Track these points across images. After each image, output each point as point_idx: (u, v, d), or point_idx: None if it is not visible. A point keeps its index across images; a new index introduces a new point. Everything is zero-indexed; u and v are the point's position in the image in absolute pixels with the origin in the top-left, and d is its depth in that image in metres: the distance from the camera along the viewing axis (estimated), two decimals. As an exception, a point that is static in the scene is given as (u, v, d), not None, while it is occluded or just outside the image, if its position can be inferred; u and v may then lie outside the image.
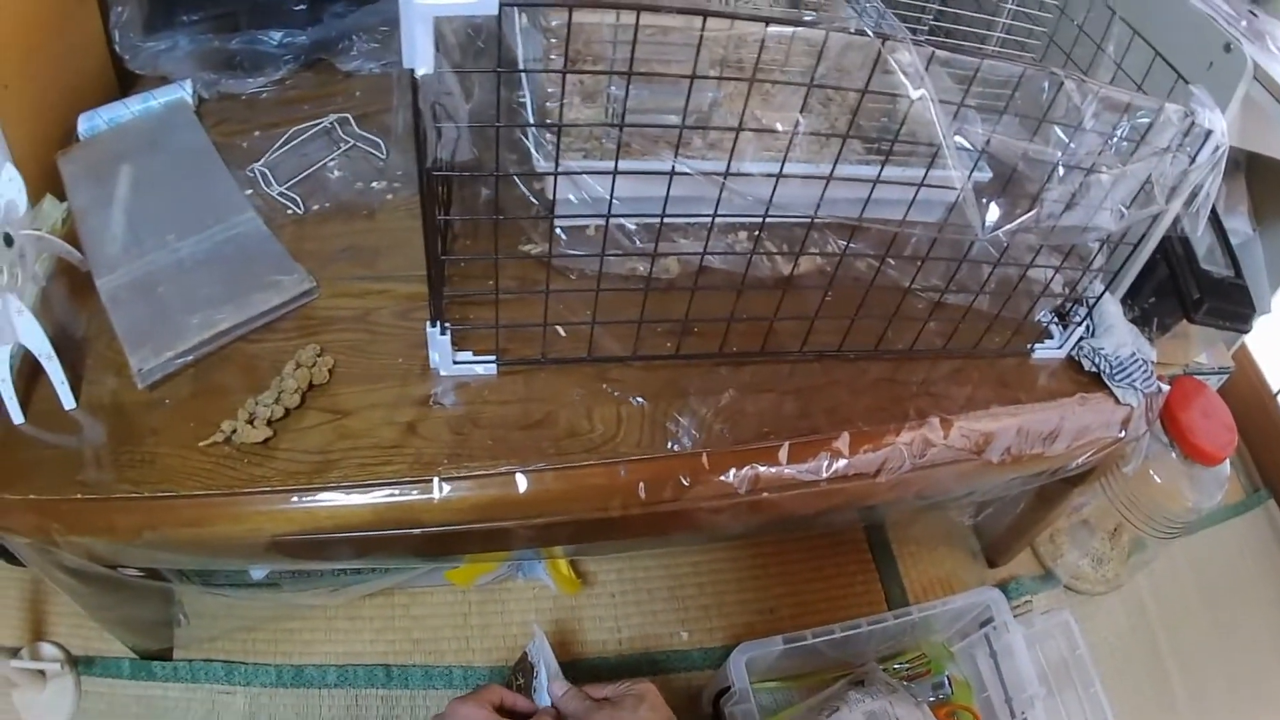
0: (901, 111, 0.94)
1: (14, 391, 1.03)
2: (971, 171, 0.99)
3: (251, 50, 1.52)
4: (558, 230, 1.17)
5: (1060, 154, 1.05)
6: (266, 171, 1.33)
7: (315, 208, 1.30)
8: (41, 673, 1.42)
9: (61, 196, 1.32)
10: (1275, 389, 2.16)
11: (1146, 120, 1.06)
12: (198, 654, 1.48)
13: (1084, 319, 1.30)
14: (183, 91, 1.48)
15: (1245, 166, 1.78)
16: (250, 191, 1.31)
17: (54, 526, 0.98)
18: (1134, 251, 1.27)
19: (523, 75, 1.20)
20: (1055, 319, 1.32)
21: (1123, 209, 1.11)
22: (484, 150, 1.00)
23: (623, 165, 0.93)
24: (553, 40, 1.12)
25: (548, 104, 1.19)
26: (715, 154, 1.15)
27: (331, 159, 1.37)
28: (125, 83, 1.57)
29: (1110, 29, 1.33)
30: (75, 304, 1.18)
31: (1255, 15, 1.68)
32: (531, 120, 1.17)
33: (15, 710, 1.40)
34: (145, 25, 1.54)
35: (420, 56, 0.80)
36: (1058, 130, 1.05)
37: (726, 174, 0.95)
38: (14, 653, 1.41)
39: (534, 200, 1.21)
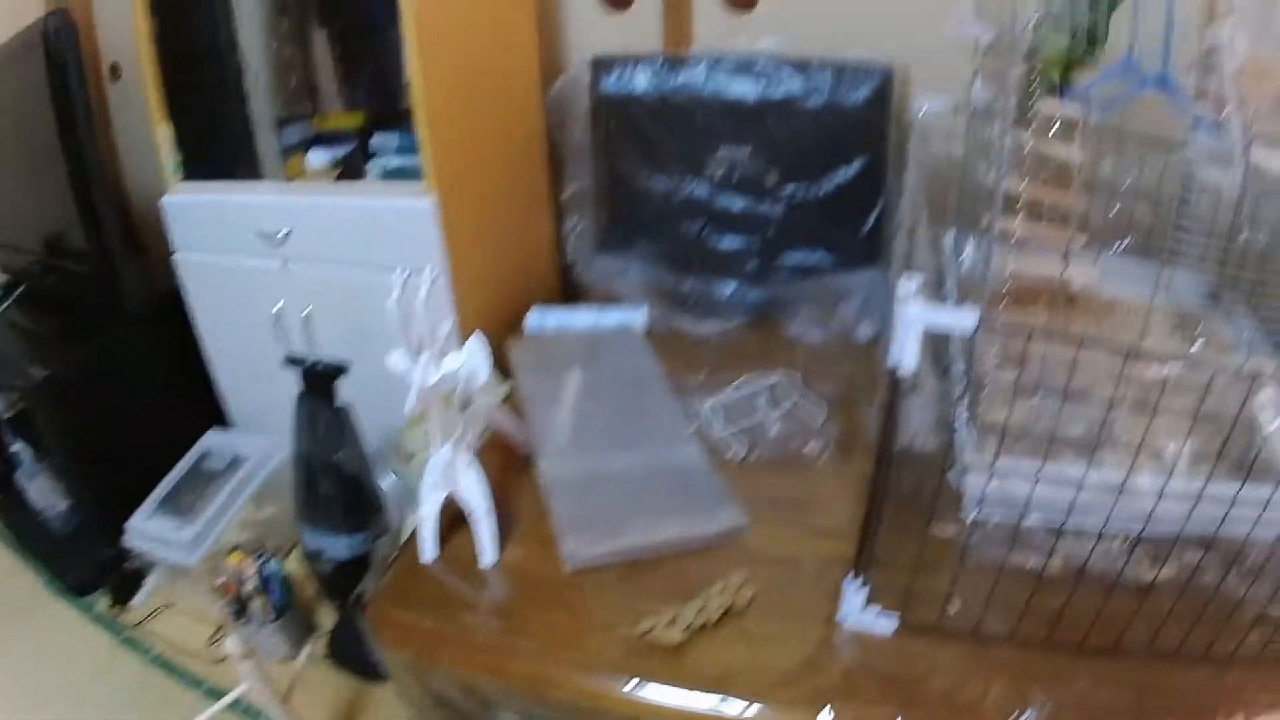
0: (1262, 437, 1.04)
1: (435, 532, 1.20)
2: None
3: (702, 296, 1.70)
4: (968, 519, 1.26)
5: None
6: (712, 411, 1.46)
7: (755, 454, 1.39)
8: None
9: (506, 375, 1.46)
10: None
11: None
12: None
13: None
14: (637, 316, 1.66)
15: None
16: (694, 426, 1.43)
17: (445, 655, 1.12)
18: None
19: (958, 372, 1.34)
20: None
21: None
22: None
23: (1044, 472, 1.05)
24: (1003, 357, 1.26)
25: (981, 404, 1.29)
26: (1113, 459, 1.23)
27: (774, 413, 1.46)
28: (573, 293, 1.79)
29: None
30: (507, 477, 1.32)
31: None
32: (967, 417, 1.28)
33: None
34: (599, 243, 1.77)
35: (908, 358, 0.94)
36: None
37: (1122, 489, 1.07)
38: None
39: (953, 484, 1.28)
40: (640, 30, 1.87)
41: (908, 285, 0.93)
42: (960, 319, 0.92)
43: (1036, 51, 1.24)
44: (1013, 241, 1.53)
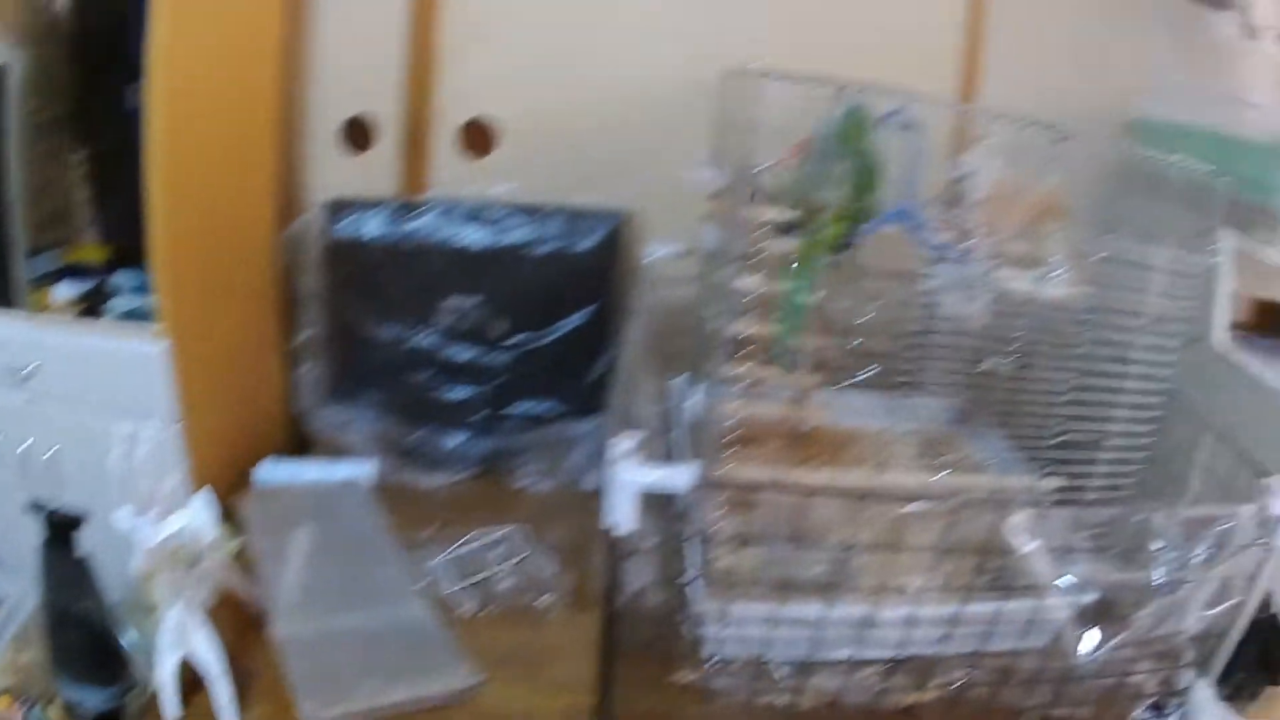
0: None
1: (175, 691, 1.13)
2: (1074, 607, 1.12)
3: (429, 448, 1.67)
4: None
5: (1150, 578, 1.15)
6: (442, 567, 1.43)
7: (487, 610, 1.36)
8: None
9: (237, 530, 1.37)
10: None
11: (1228, 526, 1.15)
12: None
13: (1176, 709, 1.37)
14: (364, 470, 1.60)
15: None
16: (424, 584, 1.39)
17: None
18: (1218, 642, 1.35)
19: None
20: (1152, 713, 1.39)
21: (1206, 612, 1.22)
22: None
23: (779, 613, 1.07)
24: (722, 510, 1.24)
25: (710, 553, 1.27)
26: (854, 596, 1.22)
27: (501, 569, 1.44)
28: (302, 442, 1.71)
29: (1200, 436, 1.43)
30: (245, 635, 1.26)
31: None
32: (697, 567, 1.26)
33: None
34: (329, 391, 1.71)
35: (624, 519, 0.94)
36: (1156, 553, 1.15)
37: (866, 623, 1.09)
38: None
39: (687, 632, 1.27)
40: (379, 173, 1.84)
41: (621, 446, 0.93)
42: (675, 478, 0.93)
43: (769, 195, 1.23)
44: (742, 385, 1.54)
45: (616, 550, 0.97)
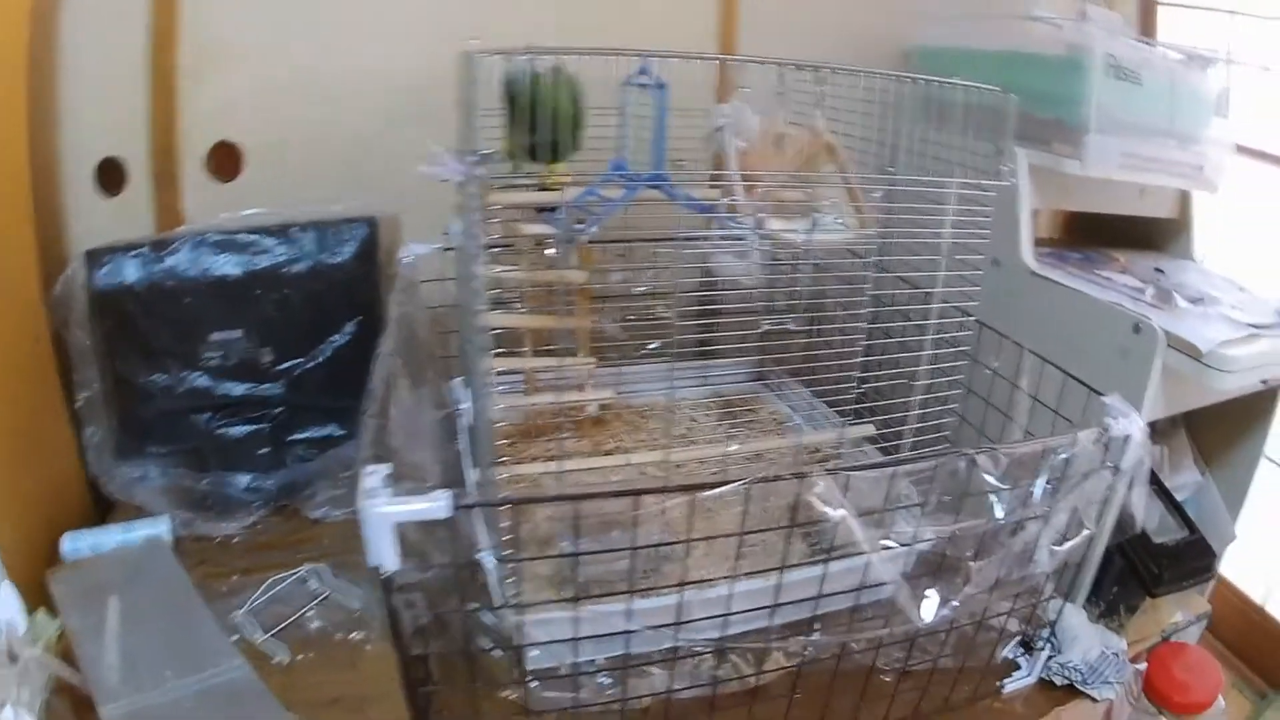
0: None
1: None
2: (904, 569, 1.07)
3: (221, 493, 1.58)
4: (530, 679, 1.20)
5: (985, 523, 1.11)
6: (249, 619, 1.37)
7: (300, 657, 1.32)
8: None
9: (53, 611, 1.33)
10: (1259, 599, 2.21)
11: (1066, 455, 1.12)
12: None
13: (1046, 641, 1.35)
14: (160, 528, 1.52)
15: (1183, 420, 1.84)
16: (236, 637, 1.34)
17: None
18: (1079, 571, 1.32)
19: (484, 534, 1.25)
20: (1021, 650, 1.36)
21: (1054, 548, 1.17)
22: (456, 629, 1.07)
23: (585, 609, 1.02)
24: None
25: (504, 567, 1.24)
26: (665, 583, 1.20)
27: (310, 608, 1.40)
28: (105, 505, 1.62)
29: (1022, 363, 1.39)
30: None
31: (1162, 272, 1.76)
32: (494, 583, 1.22)
33: None
34: (116, 451, 1.60)
35: (386, 558, 0.87)
36: (990, 497, 1.11)
37: (678, 622, 1.03)
38: None
39: (504, 652, 1.23)
40: (136, 213, 1.73)
41: (370, 480, 0.88)
42: (433, 508, 0.87)
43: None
44: (510, 379, 1.48)
45: (391, 587, 0.91)
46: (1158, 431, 1.68)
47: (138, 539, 1.51)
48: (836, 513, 1.00)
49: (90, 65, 1.62)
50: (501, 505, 1.08)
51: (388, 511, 0.85)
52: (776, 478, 0.99)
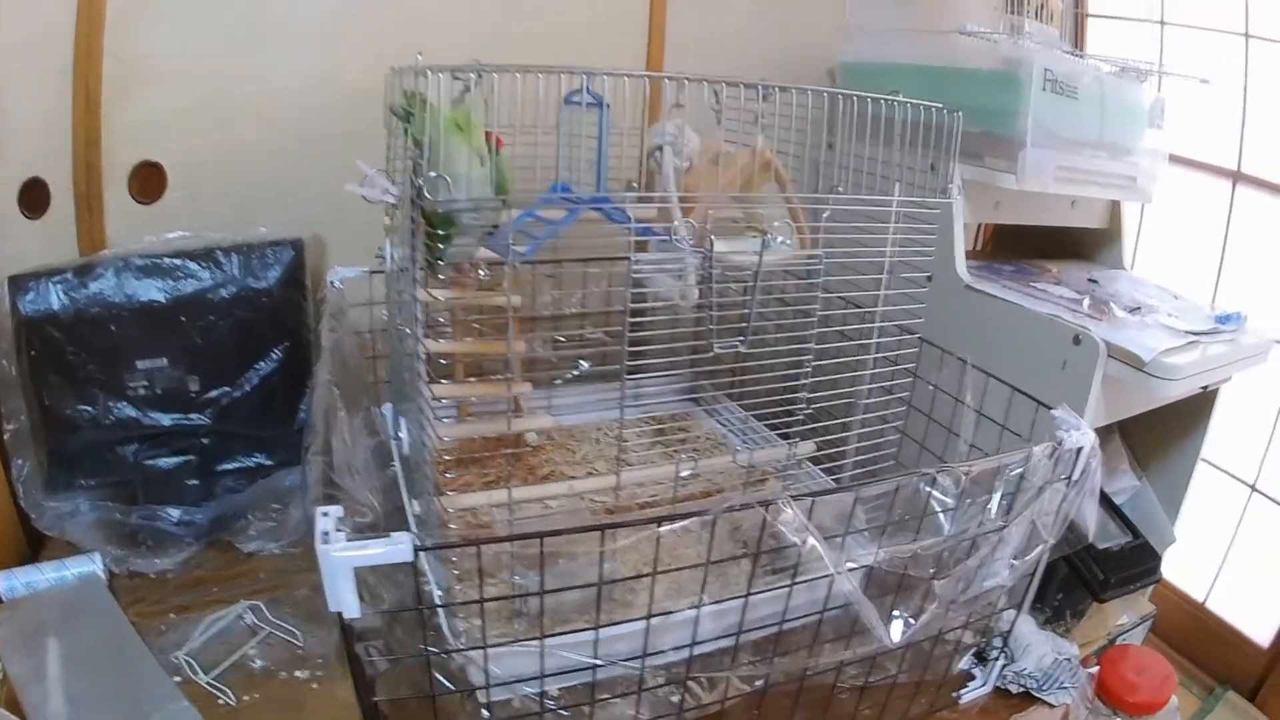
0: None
1: None
2: (863, 584, 1.07)
3: (152, 527, 1.54)
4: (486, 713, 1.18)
5: (943, 542, 1.11)
6: (191, 660, 1.33)
7: (246, 698, 1.28)
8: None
9: None
10: (1200, 598, 2.25)
11: (1020, 470, 1.13)
12: None
13: (1000, 651, 1.35)
14: (94, 565, 1.48)
15: (1117, 427, 1.86)
16: (179, 679, 1.29)
17: None
18: (1030, 581, 1.32)
19: (429, 568, 1.22)
20: (975, 660, 1.36)
21: (1013, 562, 1.17)
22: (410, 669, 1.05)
23: (543, 645, 1.00)
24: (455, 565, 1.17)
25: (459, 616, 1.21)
26: (622, 614, 1.17)
27: (251, 647, 1.36)
28: (36, 541, 1.58)
29: (965, 378, 1.39)
30: None
31: (1095, 282, 1.78)
32: (445, 624, 1.19)
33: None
34: (46, 485, 1.56)
35: (347, 604, 0.84)
36: (940, 517, 1.12)
37: (642, 655, 1.03)
38: None
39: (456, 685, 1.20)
40: (60, 236, 1.67)
41: (324, 523, 0.85)
42: (394, 551, 0.85)
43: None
44: (445, 405, 1.45)
45: (350, 631, 0.92)
46: (1094, 439, 1.71)
47: (72, 577, 1.48)
48: (804, 542, 1.00)
49: (14, 85, 1.57)
50: (465, 546, 1.04)
51: (346, 556, 0.83)
52: (744, 506, 0.98)
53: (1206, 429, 1.79)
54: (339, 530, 0.84)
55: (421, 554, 0.97)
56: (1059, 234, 1.96)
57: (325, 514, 0.87)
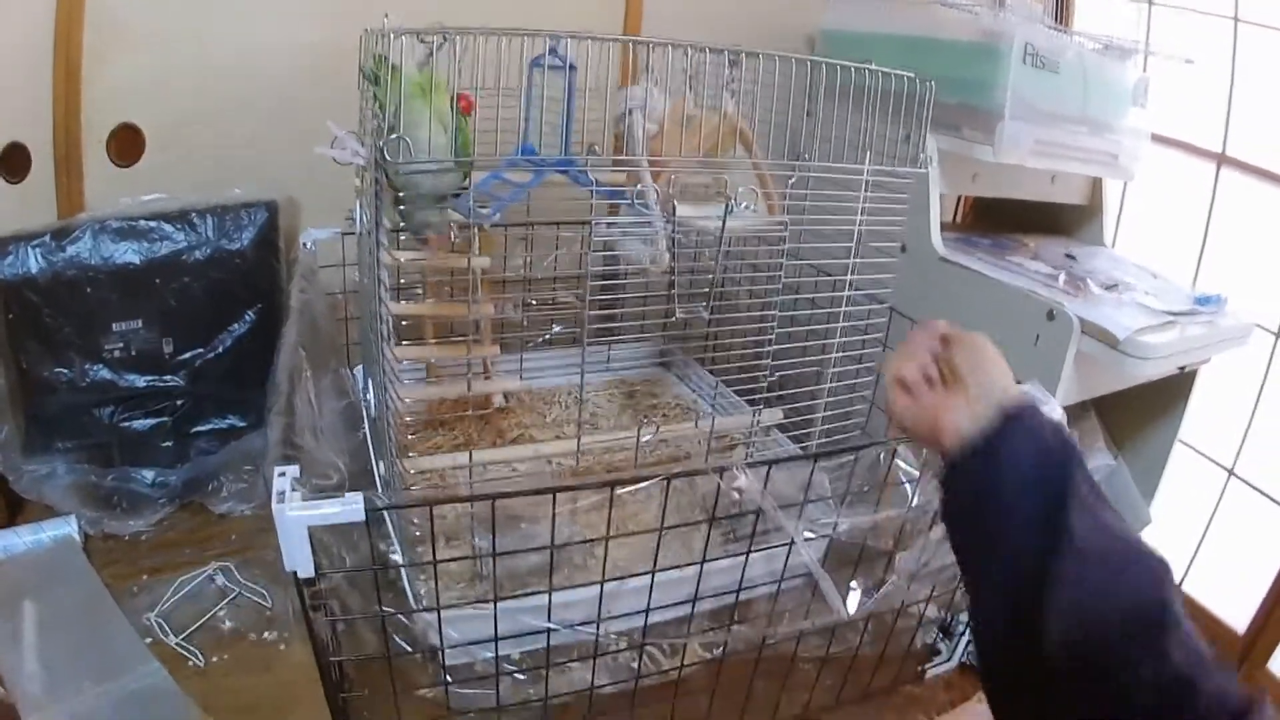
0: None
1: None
2: (824, 559, 1.06)
3: (127, 489, 1.55)
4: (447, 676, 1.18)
5: (904, 514, 1.11)
6: (162, 621, 1.33)
7: (215, 659, 1.29)
8: None
9: None
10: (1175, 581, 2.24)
11: None
12: None
13: (966, 627, 1.35)
14: (69, 528, 1.48)
15: (1093, 405, 1.85)
16: (150, 640, 1.30)
17: None
18: None
19: (393, 530, 1.23)
20: (940, 635, 1.36)
21: None
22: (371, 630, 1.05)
23: (502, 603, 0.99)
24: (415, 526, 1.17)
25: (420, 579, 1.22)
26: (581, 577, 1.18)
27: (221, 609, 1.37)
28: (14, 504, 1.58)
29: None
30: None
31: (1073, 258, 1.77)
32: (407, 586, 1.20)
33: None
34: (24, 448, 1.56)
35: (301, 563, 0.85)
36: (906, 486, 1.12)
37: (597, 620, 1.03)
38: None
39: (416, 648, 1.21)
40: (39, 199, 1.68)
41: (280, 482, 0.86)
42: (346, 511, 0.84)
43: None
44: (412, 367, 1.45)
45: (306, 591, 0.88)
46: (1069, 415, 1.71)
47: (47, 540, 1.49)
48: (761, 510, 1.01)
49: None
50: (417, 507, 1.05)
51: (300, 515, 0.83)
52: (696, 471, 0.99)
53: (1184, 411, 1.78)
54: (295, 490, 0.85)
55: (386, 515, 0.99)
56: (1040, 209, 1.95)
57: (282, 474, 0.87)
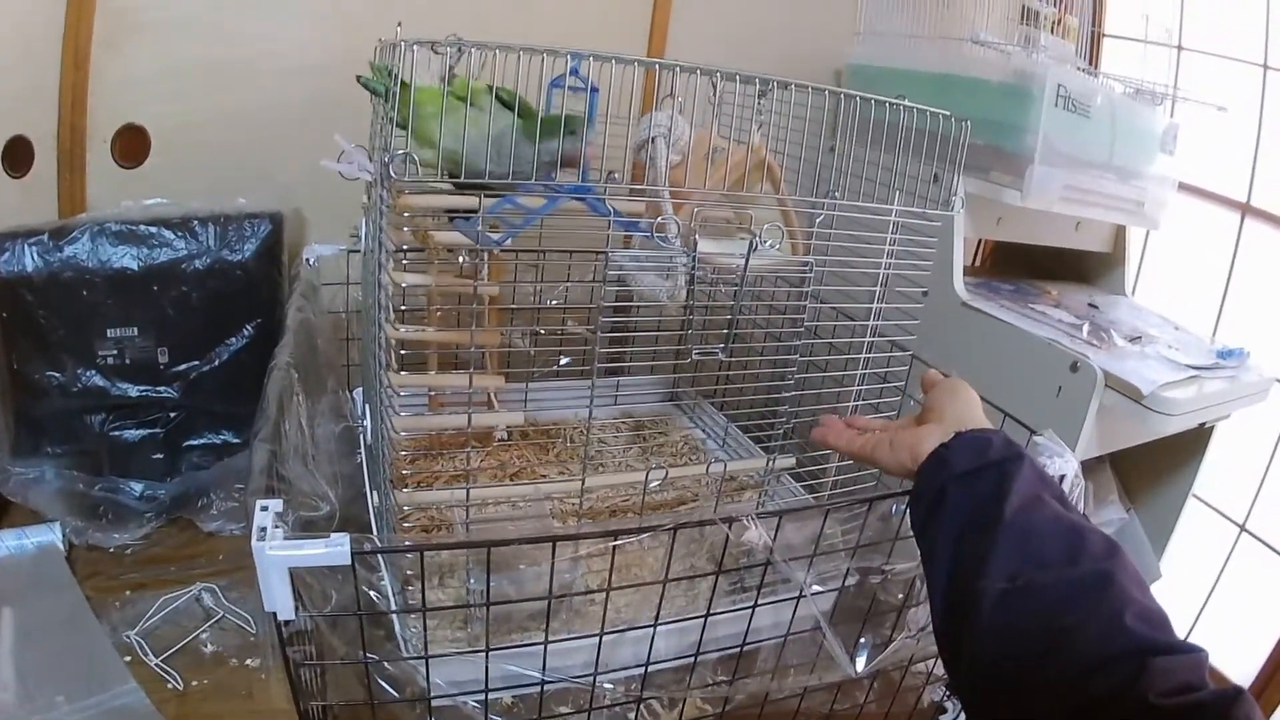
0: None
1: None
2: (832, 613, 1.05)
3: (114, 500, 1.52)
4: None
5: (915, 567, 1.07)
6: (142, 640, 1.31)
7: (195, 683, 1.26)
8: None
9: None
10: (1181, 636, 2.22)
11: None
12: None
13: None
14: (53, 535, 1.46)
15: (1108, 457, 1.82)
16: (129, 659, 1.28)
17: None
18: None
19: (383, 563, 1.19)
20: (947, 693, 1.33)
21: None
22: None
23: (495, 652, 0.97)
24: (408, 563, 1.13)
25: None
26: (581, 623, 1.15)
27: (204, 630, 1.34)
28: (1, 505, 1.55)
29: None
30: None
31: (1095, 307, 1.74)
32: (398, 628, 1.16)
33: None
34: (13, 449, 1.54)
35: (281, 605, 0.82)
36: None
37: (594, 673, 1.00)
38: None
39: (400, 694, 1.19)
40: (40, 196, 1.65)
41: (261, 519, 0.82)
42: (332, 553, 0.81)
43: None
44: (413, 394, 1.41)
45: (285, 633, 0.85)
46: (1084, 467, 1.68)
47: (31, 546, 1.47)
48: (770, 562, 0.98)
49: (5, 39, 1.54)
50: (406, 552, 1.03)
51: (281, 556, 0.80)
52: (703, 522, 0.95)
53: (1200, 465, 1.76)
54: (277, 526, 0.81)
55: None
56: (1060, 255, 1.93)
57: (264, 508, 0.84)
